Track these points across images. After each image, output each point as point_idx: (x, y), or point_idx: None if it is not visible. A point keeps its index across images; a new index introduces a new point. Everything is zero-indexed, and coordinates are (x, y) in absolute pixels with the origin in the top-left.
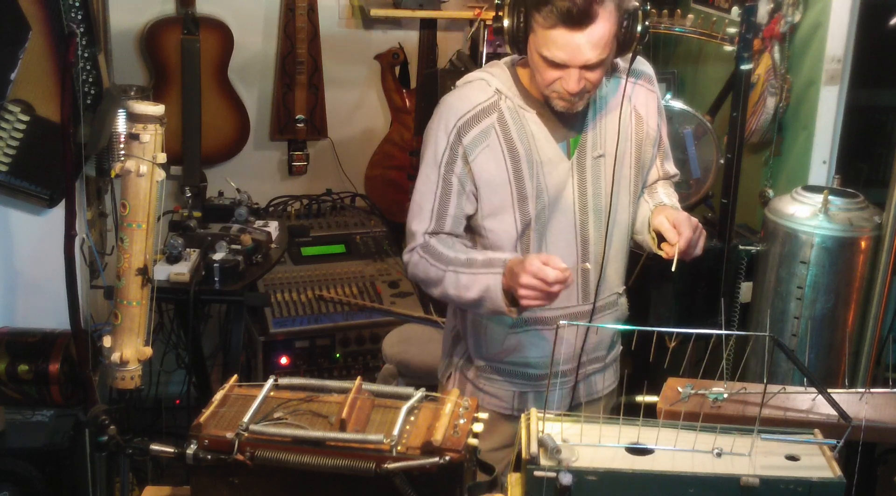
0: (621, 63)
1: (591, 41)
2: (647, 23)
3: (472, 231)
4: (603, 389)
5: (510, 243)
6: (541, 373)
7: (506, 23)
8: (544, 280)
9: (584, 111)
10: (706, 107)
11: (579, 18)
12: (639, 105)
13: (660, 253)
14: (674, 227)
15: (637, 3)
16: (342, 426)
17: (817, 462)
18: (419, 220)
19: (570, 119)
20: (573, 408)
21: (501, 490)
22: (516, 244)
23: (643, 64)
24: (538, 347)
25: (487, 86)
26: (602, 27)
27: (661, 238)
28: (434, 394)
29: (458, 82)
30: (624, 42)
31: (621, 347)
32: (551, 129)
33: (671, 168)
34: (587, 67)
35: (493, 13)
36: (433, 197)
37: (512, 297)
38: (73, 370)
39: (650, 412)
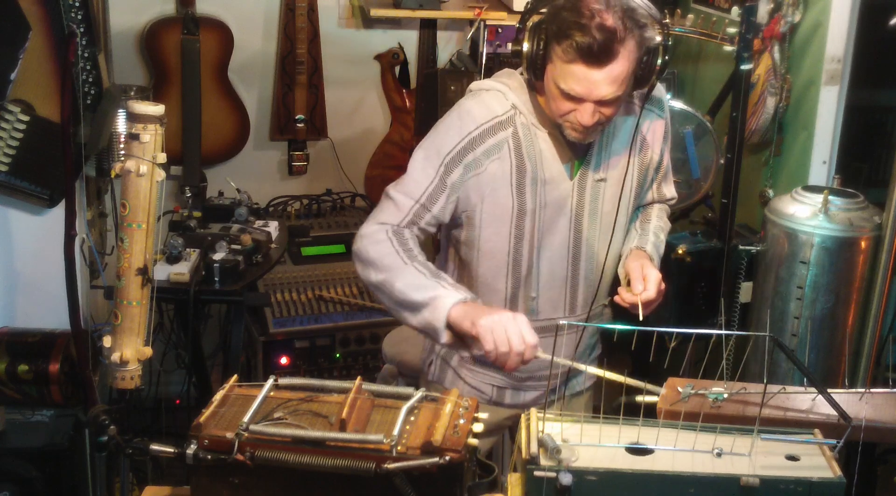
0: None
1: (608, 78)
2: (666, 57)
3: (465, 244)
4: (583, 384)
5: (503, 256)
6: (523, 376)
7: (525, 47)
8: (512, 345)
9: None
10: (706, 107)
11: (599, 56)
12: (646, 132)
13: (619, 293)
14: (643, 279)
15: (659, 39)
16: (342, 426)
17: (817, 462)
18: (404, 199)
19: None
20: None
21: (501, 490)
22: (508, 258)
23: (656, 89)
24: None
25: (504, 98)
26: (621, 65)
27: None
28: (434, 394)
29: (473, 86)
30: (641, 77)
31: (600, 350)
32: (559, 150)
33: (668, 191)
34: (602, 103)
35: (493, 13)
36: (426, 188)
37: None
38: (73, 370)
39: (650, 412)
